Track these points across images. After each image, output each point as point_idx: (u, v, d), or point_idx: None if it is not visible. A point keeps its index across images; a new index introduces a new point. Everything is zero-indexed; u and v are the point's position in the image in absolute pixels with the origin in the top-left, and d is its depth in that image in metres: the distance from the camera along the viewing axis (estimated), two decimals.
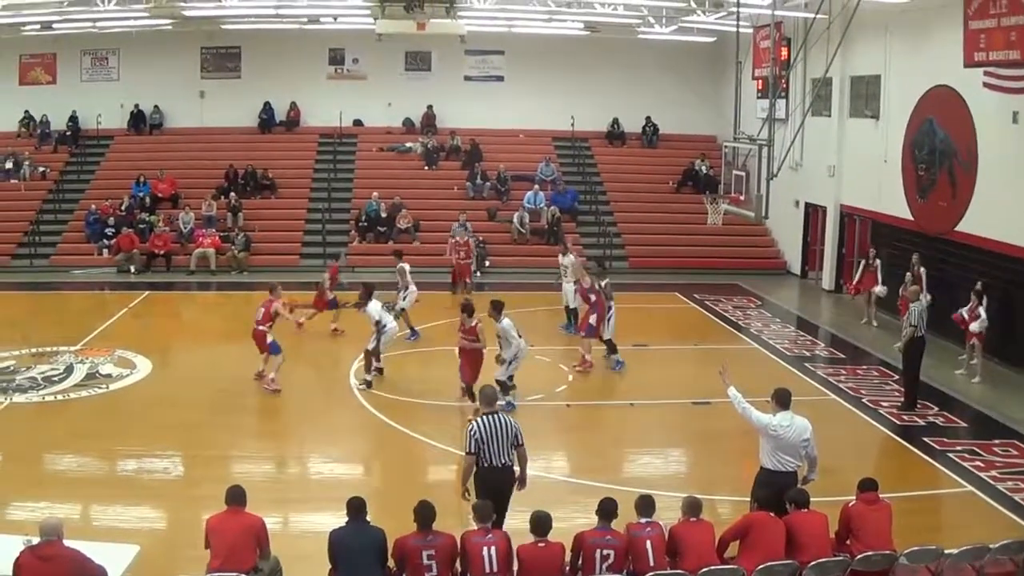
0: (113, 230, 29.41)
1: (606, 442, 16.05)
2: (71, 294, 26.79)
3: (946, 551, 9.42)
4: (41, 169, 32.19)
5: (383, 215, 30.45)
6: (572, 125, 34.50)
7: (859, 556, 9.27)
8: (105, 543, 10.47)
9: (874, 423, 16.42)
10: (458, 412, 16.12)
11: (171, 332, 23.65)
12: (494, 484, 10.54)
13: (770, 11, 23.67)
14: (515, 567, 9.03)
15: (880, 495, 9.94)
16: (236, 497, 9.31)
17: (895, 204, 23.92)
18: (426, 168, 33.48)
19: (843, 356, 20.96)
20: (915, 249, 21.93)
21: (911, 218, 23.39)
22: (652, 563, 9.11)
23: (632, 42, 32.16)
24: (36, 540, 8.33)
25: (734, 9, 24.01)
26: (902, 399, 17.10)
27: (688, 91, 34.92)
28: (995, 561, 9.45)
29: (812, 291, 28.21)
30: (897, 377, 18.24)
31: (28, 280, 27.76)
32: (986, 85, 19.60)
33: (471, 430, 10.61)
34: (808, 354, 21.15)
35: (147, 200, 30.95)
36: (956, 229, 21.38)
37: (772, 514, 9.66)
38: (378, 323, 17.72)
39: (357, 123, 35.06)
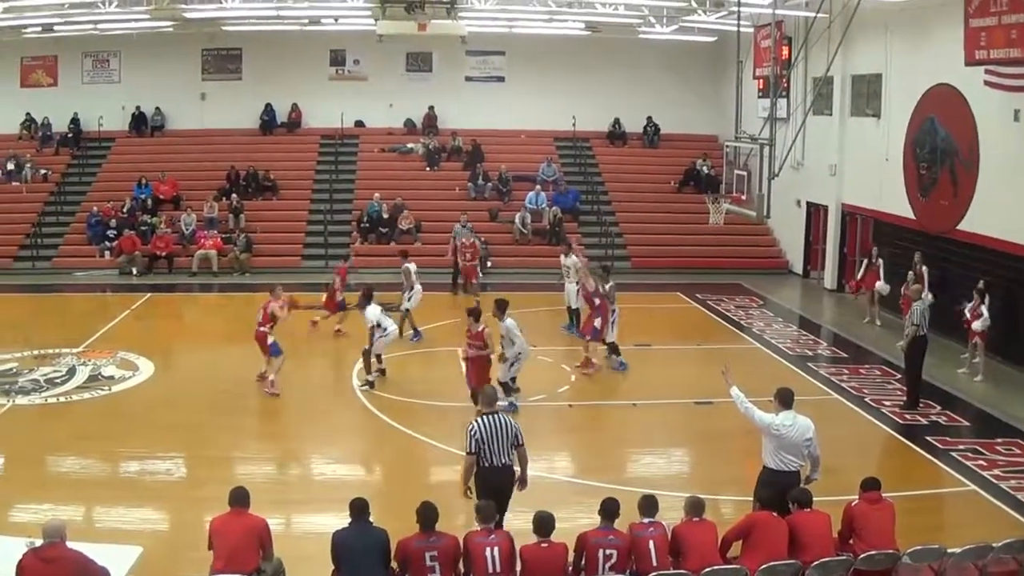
0: (115, 232, 29.43)
1: (609, 442, 16.06)
2: (73, 296, 26.82)
3: (949, 550, 9.41)
4: (43, 171, 32.22)
5: (385, 216, 30.45)
6: (573, 125, 34.50)
7: (862, 555, 9.27)
8: (108, 545, 10.54)
9: (876, 422, 16.41)
10: (460, 413, 16.09)
11: (173, 334, 23.68)
12: (494, 484, 10.56)
13: (771, 10, 23.67)
14: (518, 567, 9.03)
15: (883, 494, 9.94)
16: (239, 498, 9.31)
17: (897, 203, 23.91)
18: (428, 169, 33.49)
19: (845, 355, 20.95)
20: (917, 248, 21.93)
21: (913, 217, 23.37)
22: (655, 563, 9.11)
23: (633, 42, 32.15)
24: (39, 542, 8.34)
25: (735, 8, 24.01)
26: (904, 398, 17.10)
27: (689, 91, 34.92)
28: (998, 560, 9.44)
29: (814, 290, 28.20)
30: (899, 376, 18.23)
31: (30, 282, 27.79)
32: (987, 83, 19.58)
33: (471, 430, 10.63)
34: (810, 353, 21.15)
35: (149, 202, 30.96)
36: (958, 228, 21.37)
37: (775, 514, 9.67)
38: (377, 325, 17.72)
39: (358, 124, 35.06)
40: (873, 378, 19.00)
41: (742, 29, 23.97)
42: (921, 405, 16.86)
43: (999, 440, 15.33)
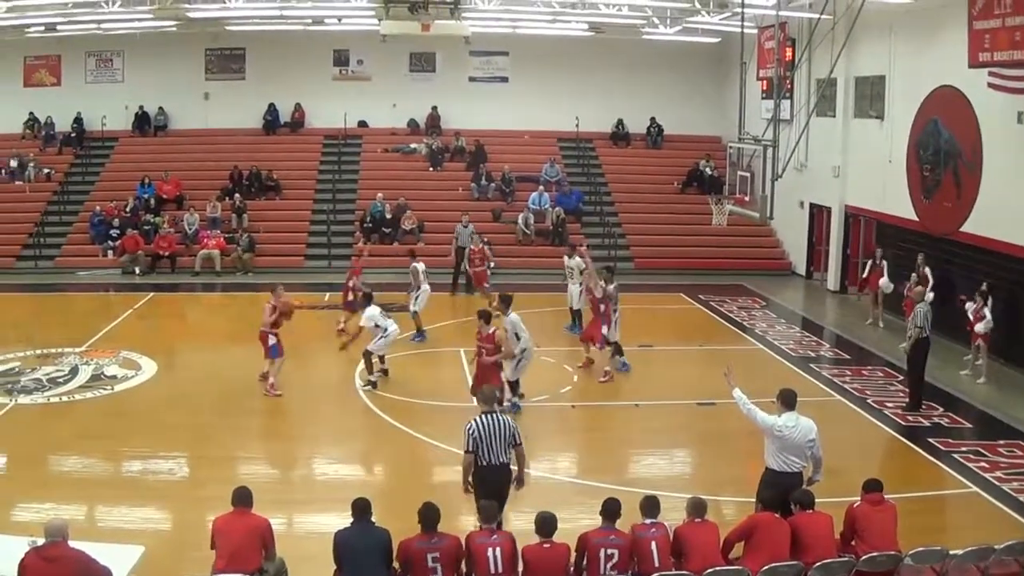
0: (118, 231, 29.46)
1: (611, 443, 16.06)
2: (76, 295, 26.84)
3: (951, 552, 9.41)
4: (46, 171, 32.24)
5: (388, 216, 30.47)
6: (577, 126, 34.51)
7: (864, 557, 9.26)
8: (110, 544, 10.55)
9: (879, 424, 16.40)
10: (462, 413, 16.07)
11: (176, 333, 23.69)
12: (492, 483, 10.59)
13: (774, 12, 23.64)
14: (520, 568, 9.03)
15: (885, 496, 9.93)
16: (242, 498, 9.32)
17: (900, 205, 23.89)
18: (431, 169, 33.50)
19: (848, 357, 20.94)
20: (920, 250, 21.91)
21: (916, 219, 23.35)
22: (657, 564, 9.10)
23: (636, 43, 32.14)
24: (41, 541, 8.35)
25: (738, 10, 24.00)
26: (907, 400, 17.10)
27: (692, 92, 34.91)
28: (1000, 562, 9.43)
29: (817, 292, 28.20)
30: (902, 378, 18.23)
31: (33, 282, 27.83)
32: (991, 85, 19.55)
33: (469, 428, 10.67)
34: (813, 355, 21.14)
35: (152, 201, 31.01)
36: (961, 230, 21.34)
37: (777, 515, 9.67)
38: (376, 326, 17.72)
39: (362, 124, 35.08)
40: (875, 380, 18.98)
41: (746, 30, 23.98)
42: (923, 407, 16.85)
43: (1001, 442, 15.31)
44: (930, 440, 15.40)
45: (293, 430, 16.25)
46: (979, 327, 18.55)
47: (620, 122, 35.33)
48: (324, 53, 34.50)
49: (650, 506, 9.54)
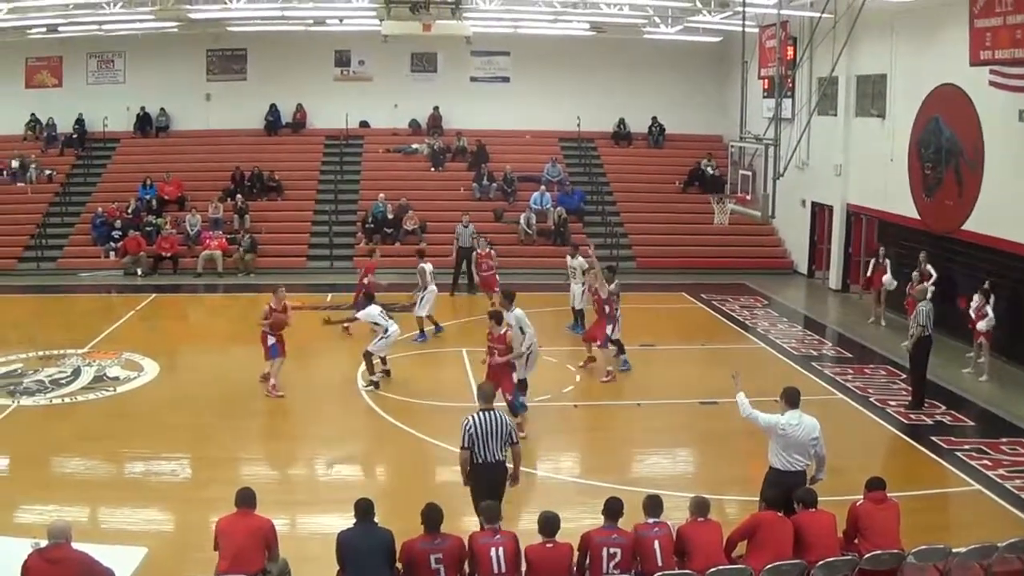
0: (120, 233, 29.48)
1: (613, 442, 16.05)
2: (78, 297, 26.85)
3: (954, 550, 9.42)
4: (47, 172, 32.28)
5: (390, 216, 30.48)
6: (578, 126, 34.54)
7: (867, 555, 9.26)
8: (113, 545, 10.56)
9: (881, 422, 16.39)
10: (464, 413, 16.06)
11: (178, 334, 23.69)
12: (487, 480, 10.61)
13: (776, 10, 23.66)
14: (523, 568, 9.03)
15: (888, 494, 9.93)
16: (245, 499, 9.32)
17: (902, 203, 23.88)
18: (432, 169, 33.51)
19: (850, 355, 20.93)
20: (922, 248, 21.90)
21: (918, 217, 23.34)
22: (660, 563, 9.11)
23: (638, 42, 32.17)
24: (44, 543, 8.36)
25: (740, 9, 24.02)
26: (909, 398, 17.10)
27: (694, 91, 34.91)
28: (1003, 559, 9.44)
29: (819, 290, 28.19)
30: (904, 376, 18.23)
31: (35, 283, 27.86)
32: (992, 83, 19.55)
33: (466, 424, 10.69)
34: (815, 353, 21.13)
35: (154, 203, 31.01)
36: (963, 228, 21.34)
37: (780, 514, 9.67)
38: (377, 324, 17.72)
39: (363, 125, 35.10)
40: (878, 378, 18.97)
41: (747, 29, 23.99)
42: (926, 405, 16.85)
43: (1004, 440, 15.31)
44: (933, 438, 15.39)
45: (295, 431, 16.24)
46: (981, 325, 18.55)
47: (622, 121, 35.32)
48: (325, 54, 34.51)
49: (653, 505, 9.54)
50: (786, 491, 10.13)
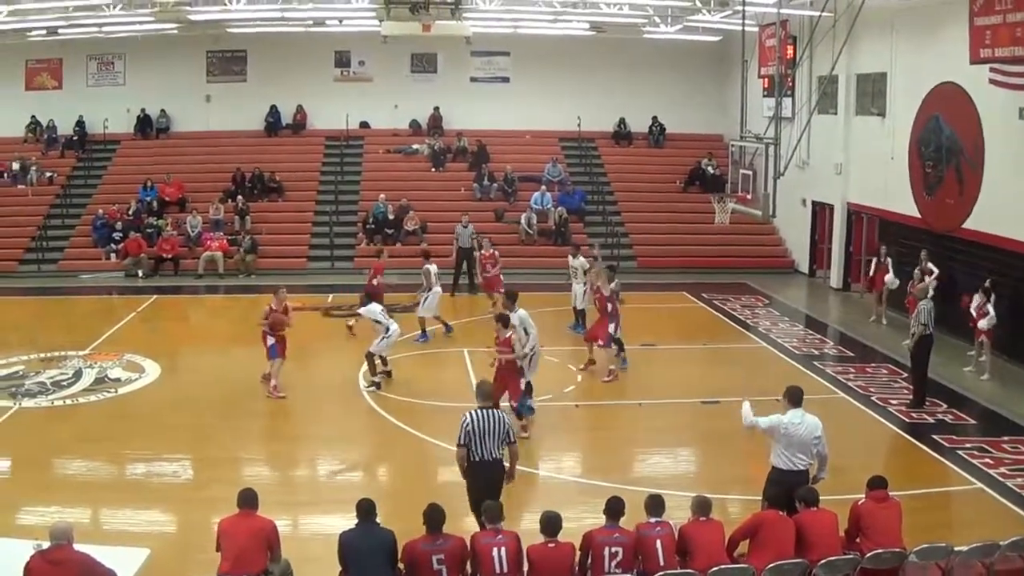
0: (120, 234, 29.48)
1: (615, 442, 16.04)
2: (79, 299, 26.86)
3: (956, 548, 9.42)
4: (48, 174, 32.28)
5: (391, 217, 30.47)
6: (579, 125, 34.54)
7: (869, 554, 9.26)
8: (115, 547, 10.56)
9: (883, 421, 16.39)
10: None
11: (179, 336, 23.68)
12: (484, 478, 10.60)
13: (776, 9, 23.67)
14: (525, 568, 9.03)
15: (889, 493, 9.93)
16: (248, 500, 9.32)
17: (902, 202, 23.87)
18: (433, 170, 33.51)
19: (852, 354, 20.92)
20: (923, 246, 21.90)
21: (918, 215, 23.34)
22: (662, 563, 9.11)
23: (638, 42, 32.18)
24: (46, 544, 8.36)
25: (739, 8, 24.03)
26: (911, 397, 17.09)
27: (694, 90, 34.91)
28: (1005, 558, 9.44)
29: (820, 289, 28.19)
30: (906, 375, 18.22)
31: (36, 285, 27.86)
32: (992, 82, 19.56)
33: (464, 421, 10.66)
34: (817, 352, 21.12)
35: (154, 204, 31.01)
36: (963, 226, 21.33)
37: (782, 513, 9.67)
38: (378, 323, 17.73)
39: (364, 125, 35.10)
40: (879, 377, 18.96)
41: (747, 28, 24.00)
42: (927, 403, 16.84)
43: (1005, 438, 15.31)
44: (934, 437, 15.38)
45: (297, 431, 16.24)
46: (982, 323, 18.53)
47: (622, 121, 35.32)
48: (325, 54, 34.51)
49: (655, 505, 9.54)
50: (788, 490, 10.12)
